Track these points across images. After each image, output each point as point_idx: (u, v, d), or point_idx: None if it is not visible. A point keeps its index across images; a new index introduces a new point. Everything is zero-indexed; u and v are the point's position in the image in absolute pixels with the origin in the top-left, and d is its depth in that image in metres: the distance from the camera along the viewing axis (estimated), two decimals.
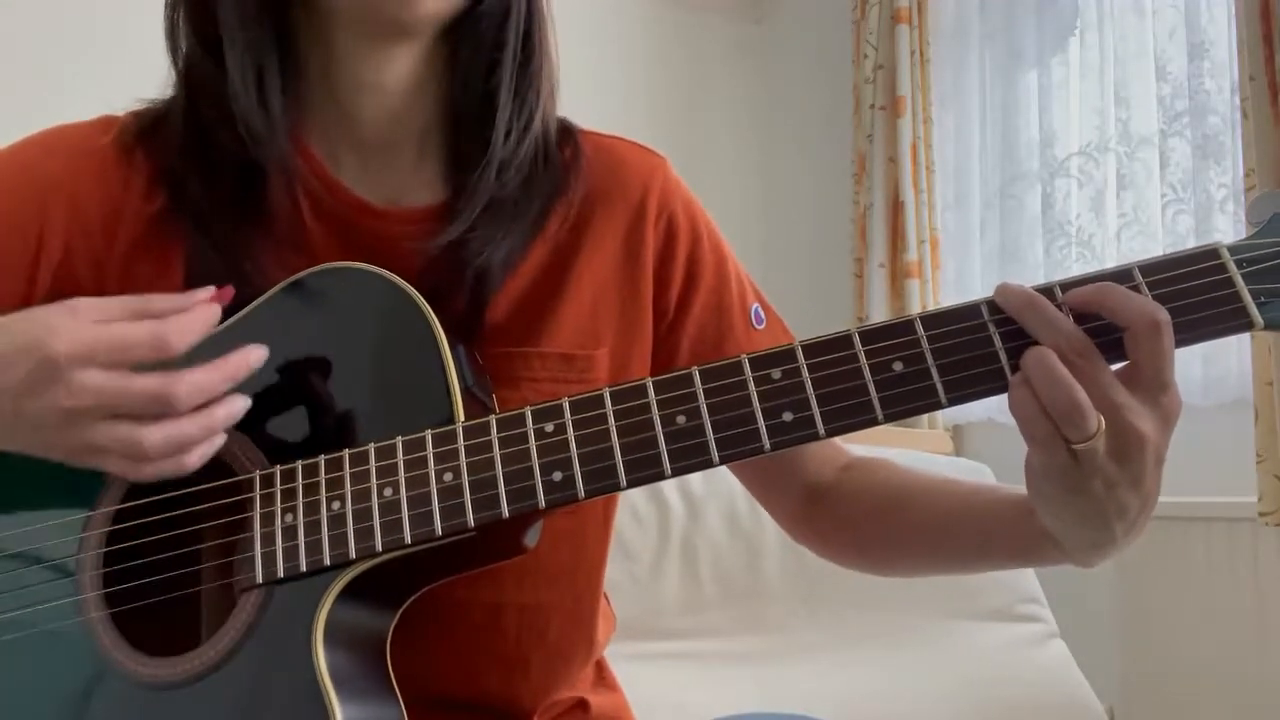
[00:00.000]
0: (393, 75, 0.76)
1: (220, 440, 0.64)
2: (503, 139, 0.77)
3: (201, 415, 0.62)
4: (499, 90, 0.77)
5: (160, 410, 0.61)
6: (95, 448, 0.62)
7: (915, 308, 2.89)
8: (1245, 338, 2.07)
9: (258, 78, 0.74)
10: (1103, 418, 0.58)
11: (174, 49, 0.77)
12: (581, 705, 0.87)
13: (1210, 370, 2.23)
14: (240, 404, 0.64)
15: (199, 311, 0.65)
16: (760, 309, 0.88)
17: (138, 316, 0.64)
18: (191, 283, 0.74)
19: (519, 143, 0.78)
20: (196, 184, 0.74)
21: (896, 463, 0.87)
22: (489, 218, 0.76)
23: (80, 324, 0.62)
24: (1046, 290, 0.61)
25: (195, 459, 0.63)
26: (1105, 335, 0.59)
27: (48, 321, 0.62)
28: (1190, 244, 2.29)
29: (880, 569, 0.89)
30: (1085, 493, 0.60)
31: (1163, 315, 0.58)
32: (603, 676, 0.91)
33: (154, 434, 0.61)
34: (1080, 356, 0.58)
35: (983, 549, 0.76)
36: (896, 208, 2.97)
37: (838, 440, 0.89)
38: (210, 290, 0.67)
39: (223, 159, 0.75)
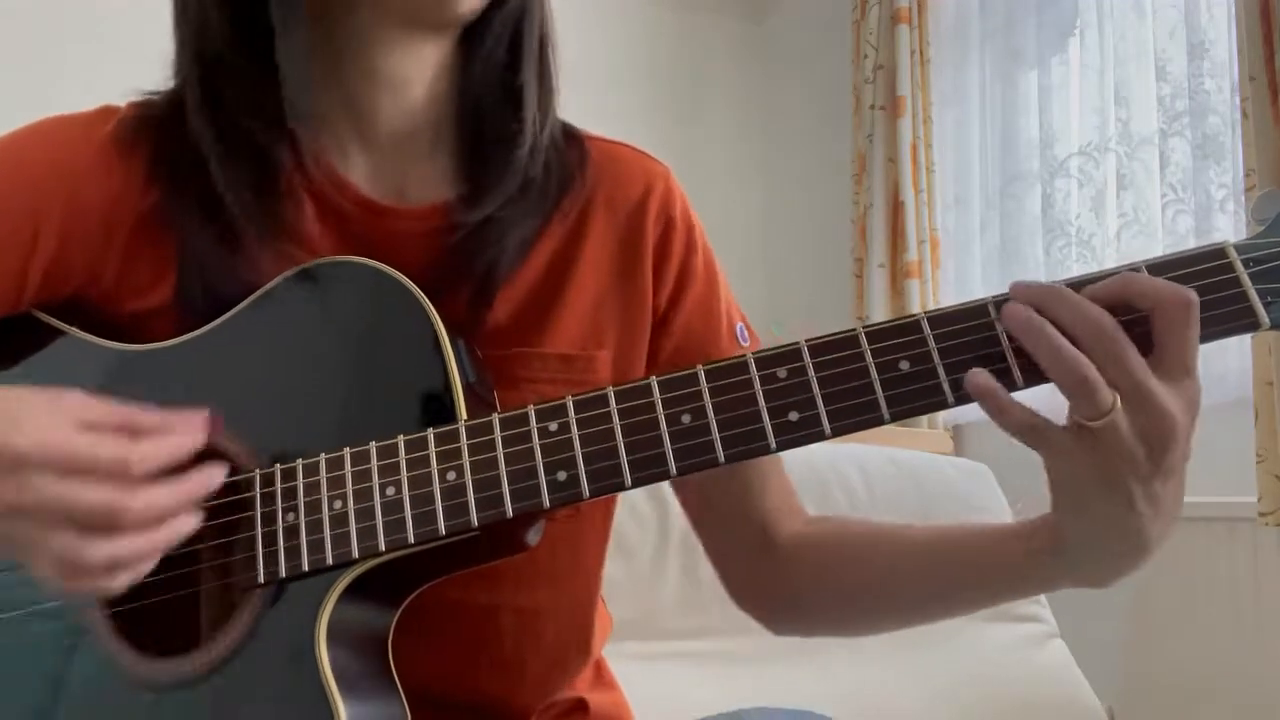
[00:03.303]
0: (417, 70, 0.76)
1: (154, 560, 0.61)
2: (531, 124, 0.76)
3: (144, 536, 0.60)
4: (524, 78, 0.76)
5: (108, 525, 0.58)
6: (33, 549, 0.59)
7: (915, 308, 2.88)
8: (1245, 337, 2.07)
9: (303, 65, 0.72)
10: (1120, 396, 0.57)
11: (193, 38, 0.75)
12: (580, 705, 0.86)
13: (1210, 370, 2.23)
14: (187, 526, 0.62)
15: (177, 438, 0.62)
16: (745, 330, 0.86)
17: (122, 428, 0.61)
18: (185, 277, 0.73)
19: (541, 131, 0.78)
20: (208, 176, 0.73)
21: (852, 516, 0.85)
22: (502, 210, 0.76)
23: (54, 422, 0.59)
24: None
25: (125, 581, 0.60)
26: (1131, 330, 0.58)
27: (23, 408, 0.60)
28: (1190, 244, 2.28)
29: (857, 622, 0.85)
30: (1116, 486, 0.60)
31: (1193, 295, 0.57)
32: (601, 676, 0.91)
33: (97, 551, 0.58)
34: (1103, 335, 0.57)
35: (980, 578, 0.74)
36: (896, 208, 2.97)
37: (795, 500, 0.87)
38: (203, 415, 0.64)
39: (241, 151, 0.73)
